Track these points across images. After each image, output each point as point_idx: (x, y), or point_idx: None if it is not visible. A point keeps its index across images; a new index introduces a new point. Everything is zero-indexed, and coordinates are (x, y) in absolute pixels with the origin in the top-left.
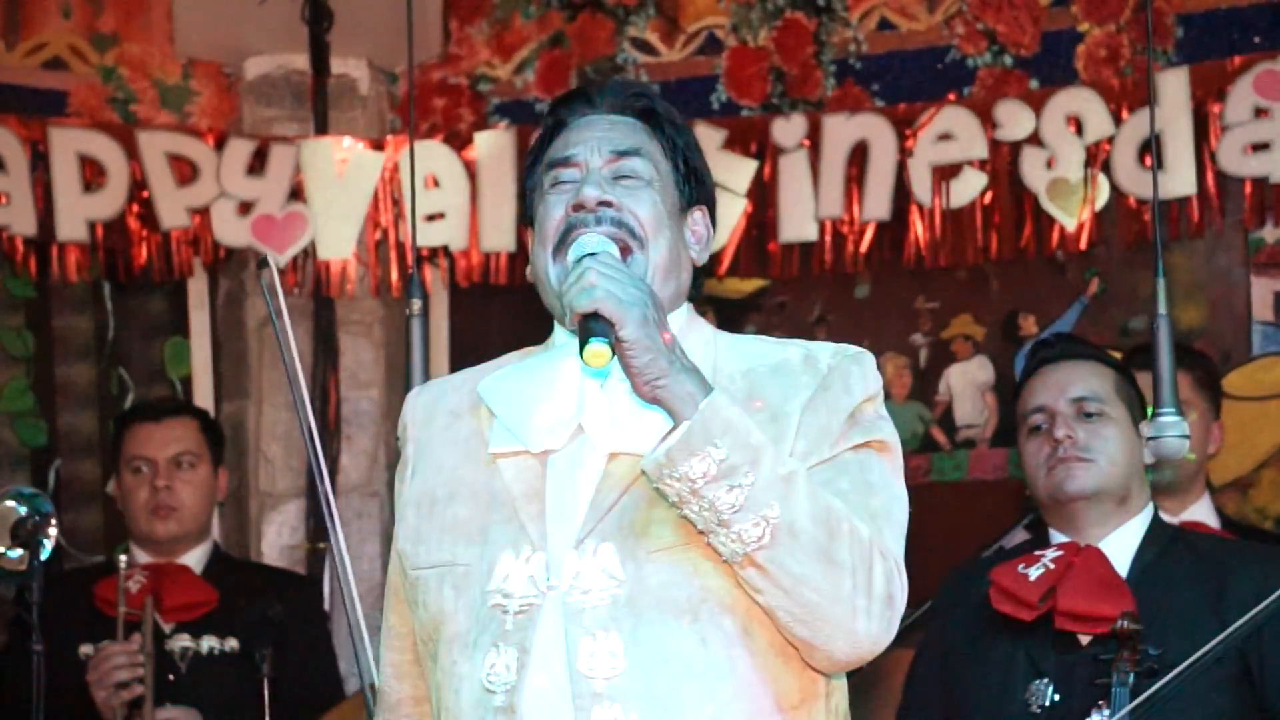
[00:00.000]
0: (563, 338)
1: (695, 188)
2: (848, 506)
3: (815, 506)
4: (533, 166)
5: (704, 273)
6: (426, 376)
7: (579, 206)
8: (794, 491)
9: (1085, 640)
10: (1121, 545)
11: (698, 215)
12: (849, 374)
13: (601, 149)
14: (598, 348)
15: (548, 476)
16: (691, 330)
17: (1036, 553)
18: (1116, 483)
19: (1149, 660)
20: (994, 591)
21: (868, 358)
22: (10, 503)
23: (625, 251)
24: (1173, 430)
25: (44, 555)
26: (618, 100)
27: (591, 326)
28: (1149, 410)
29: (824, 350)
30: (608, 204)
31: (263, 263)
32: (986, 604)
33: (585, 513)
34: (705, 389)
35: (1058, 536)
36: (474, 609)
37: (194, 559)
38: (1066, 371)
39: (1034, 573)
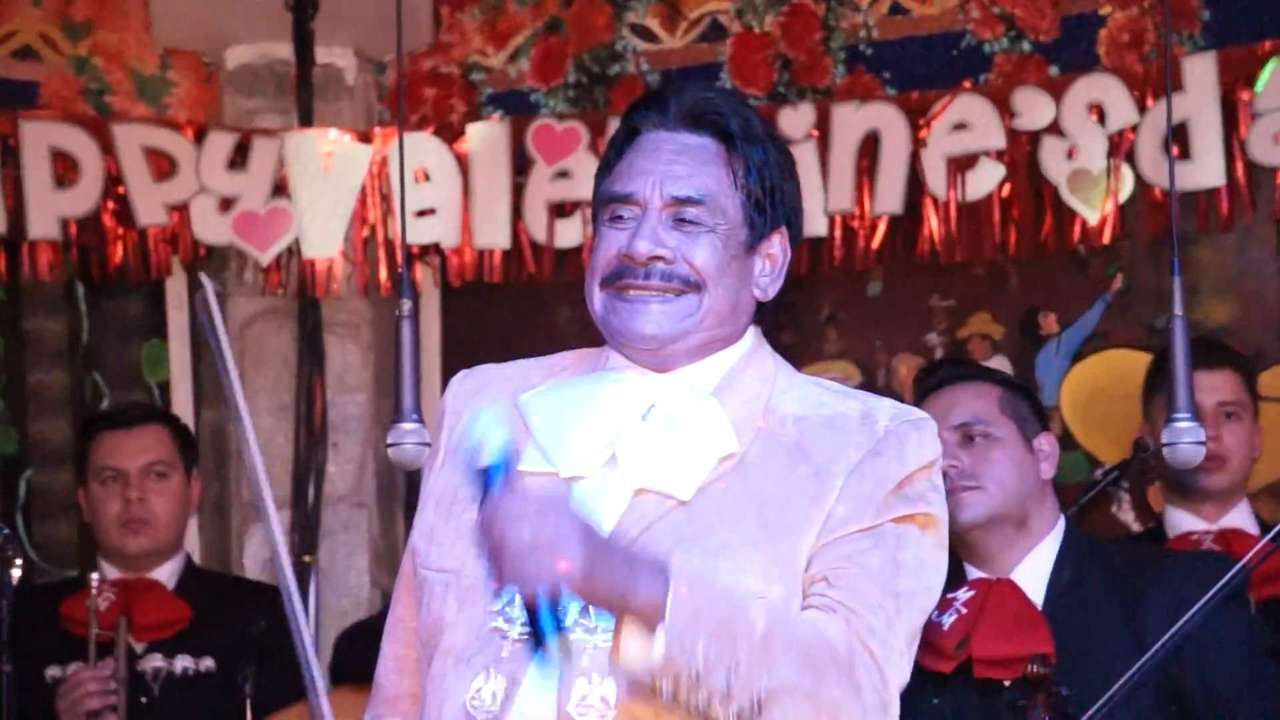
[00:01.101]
0: (616, 360)
1: (773, 212)
2: (873, 583)
3: (795, 655)
4: (601, 175)
5: (780, 298)
6: (417, 380)
7: (629, 257)
8: (773, 652)
9: (1008, 683)
10: (1034, 571)
11: (775, 240)
12: (905, 441)
13: (663, 188)
14: (553, 639)
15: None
16: (751, 366)
17: (949, 596)
18: (1010, 506)
19: (1063, 702)
20: None
21: (929, 425)
22: None
23: (680, 293)
24: (1188, 436)
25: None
26: (692, 114)
27: (533, 618)
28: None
29: (884, 410)
30: (659, 259)
31: (198, 284)
32: None
33: None
34: (663, 582)
35: (972, 571)
36: (474, 626)
37: (166, 574)
38: (948, 397)
39: (947, 620)
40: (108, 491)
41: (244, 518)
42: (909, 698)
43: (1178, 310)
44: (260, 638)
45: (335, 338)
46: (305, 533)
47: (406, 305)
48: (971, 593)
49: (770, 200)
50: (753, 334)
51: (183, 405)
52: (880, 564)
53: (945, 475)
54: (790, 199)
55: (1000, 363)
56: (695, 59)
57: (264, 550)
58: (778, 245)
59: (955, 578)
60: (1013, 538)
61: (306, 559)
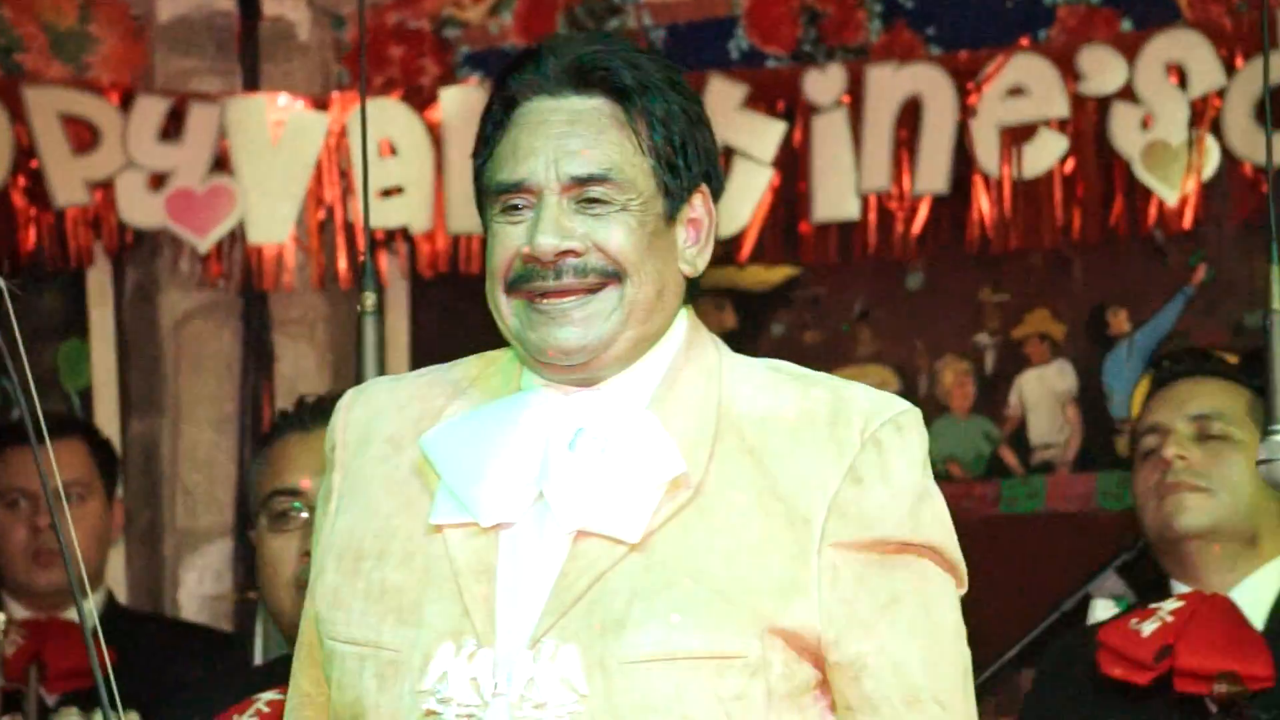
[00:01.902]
0: (530, 378)
1: (689, 171)
2: (914, 673)
3: None
4: (482, 160)
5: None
6: None
7: (533, 257)
8: None
9: (1215, 707)
10: (1255, 594)
11: (696, 203)
12: (886, 452)
13: (559, 167)
14: None
15: (502, 552)
16: (690, 360)
17: (1152, 605)
18: (1239, 519)
19: None
20: (1103, 654)
21: (910, 420)
22: None
23: (599, 287)
24: None
25: None
26: (575, 72)
27: None
28: None
29: (856, 405)
30: (568, 253)
31: None
32: (1096, 669)
33: (545, 603)
34: None
35: (1178, 587)
36: (401, 709)
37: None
38: (1189, 387)
39: (1148, 628)
40: (14, 517)
41: (179, 547)
42: (1095, 712)
43: (1276, 305)
44: (195, 687)
45: (286, 338)
46: (251, 565)
47: (370, 300)
48: (1181, 603)
49: (683, 158)
50: (686, 319)
51: (107, 416)
52: (908, 646)
53: (1168, 466)
54: (706, 150)
55: (1062, 367)
56: (706, 12)
57: (203, 586)
58: (700, 208)
59: (1159, 592)
60: (1237, 554)
61: (251, 595)
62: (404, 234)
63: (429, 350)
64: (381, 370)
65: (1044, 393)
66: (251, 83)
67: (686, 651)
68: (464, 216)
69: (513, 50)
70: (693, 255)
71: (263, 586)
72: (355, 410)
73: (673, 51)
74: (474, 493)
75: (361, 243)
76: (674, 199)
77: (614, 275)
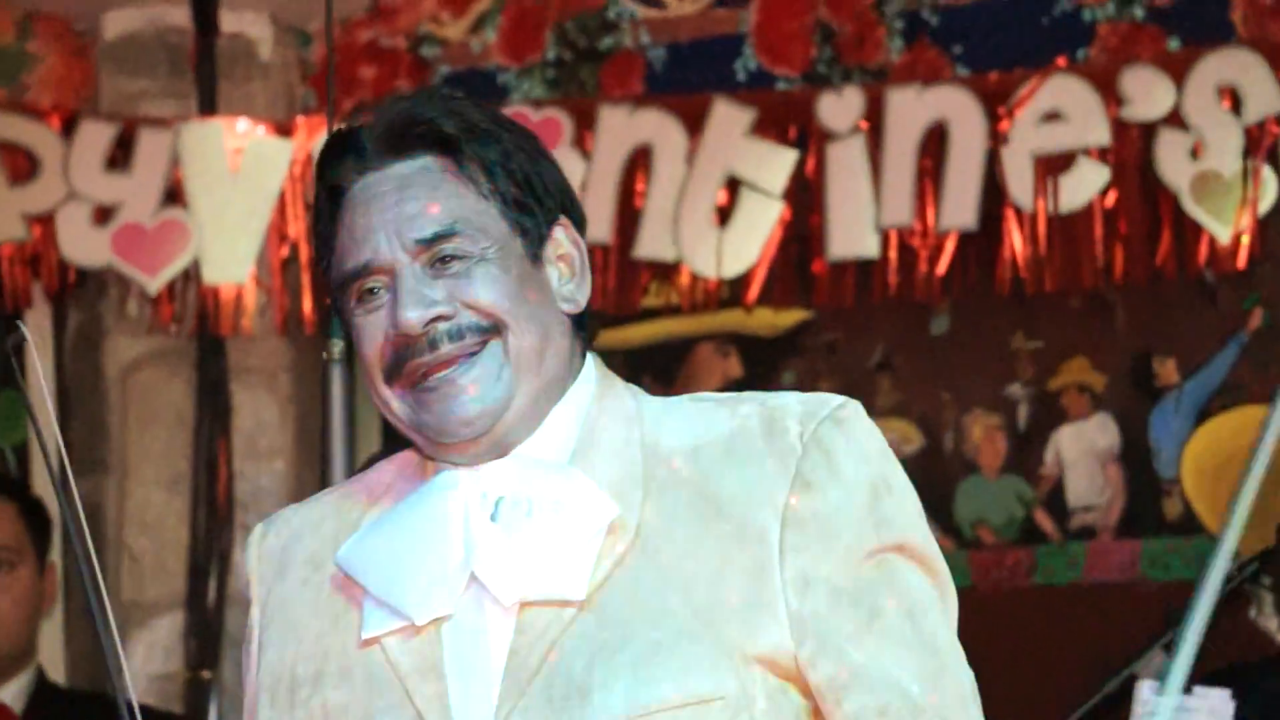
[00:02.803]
0: (439, 466)
1: (541, 207)
2: (907, 684)
3: None
4: (326, 261)
5: (592, 307)
6: (351, 440)
7: (403, 336)
8: None
9: None
10: None
11: (559, 236)
12: (832, 451)
13: (403, 237)
14: None
15: (445, 645)
16: (605, 409)
17: None
18: None
19: None
20: None
21: (851, 412)
22: None
23: (480, 346)
24: None
25: None
26: (393, 138)
27: None
28: None
29: (789, 411)
30: (438, 319)
31: (13, 329)
32: None
33: (500, 685)
34: None
35: None
36: None
37: (12, 693)
38: None
39: None
40: None
41: (126, 621)
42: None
43: None
44: None
45: (245, 388)
46: (204, 640)
47: (337, 347)
48: None
49: (531, 194)
50: (594, 369)
51: (44, 475)
52: (899, 661)
53: None
54: (555, 183)
55: (1103, 422)
56: (711, 29)
57: (151, 663)
58: (566, 241)
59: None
60: None
61: (205, 674)
62: None
63: None
64: (352, 422)
65: (1083, 450)
66: (208, 106)
67: (660, 703)
68: None
69: (497, 70)
70: (570, 291)
71: None
72: (267, 540)
73: (674, 74)
74: (401, 594)
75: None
76: (532, 238)
77: (492, 329)
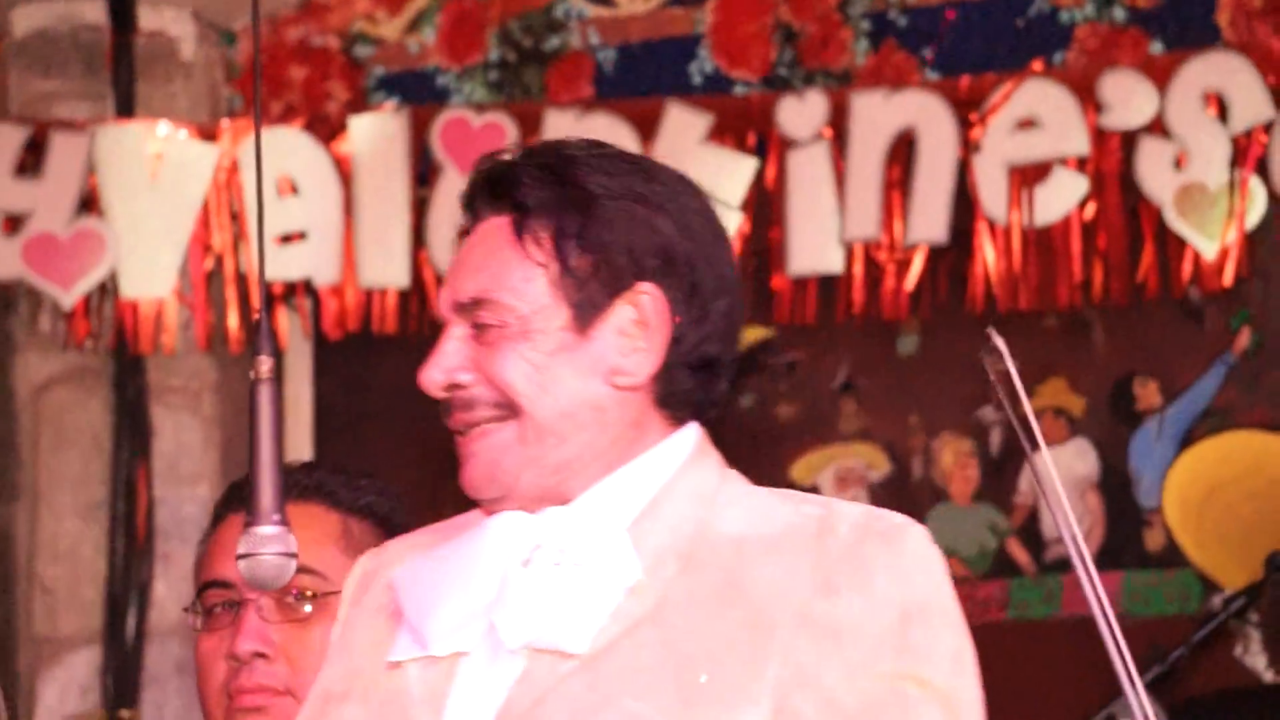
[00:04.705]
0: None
1: (612, 275)
2: None
3: None
4: None
5: (691, 365)
6: (279, 468)
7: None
8: None
9: None
10: None
11: (644, 303)
12: (870, 564)
13: (448, 296)
14: None
15: (457, 681)
16: (681, 484)
17: None
18: None
19: None
20: None
21: (909, 537)
22: None
23: (498, 420)
24: None
25: None
26: (484, 196)
27: None
28: None
29: (846, 517)
30: (454, 387)
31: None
32: None
33: None
34: None
35: None
36: None
37: None
38: None
39: None
40: None
41: (36, 657)
42: None
43: None
44: None
45: (166, 409)
46: (122, 678)
47: (266, 365)
48: None
49: (604, 264)
50: (688, 438)
51: None
52: None
53: None
54: (652, 247)
55: (1081, 447)
56: (664, 29)
57: (65, 703)
58: (649, 308)
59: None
60: None
61: (124, 714)
62: (306, 287)
63: (334, 424)
64: (280, 445)
65: (1060, 477)
66: (125, 108)
67: None
68: (376, 267)
69: (435, 72)
70: (630, 364)
71: (199, 693)
72: (365, 565)
73: (625, 77)
74: (429, 624)
75: (256, 298)
76: (583, 309)
77: (508, 407)
